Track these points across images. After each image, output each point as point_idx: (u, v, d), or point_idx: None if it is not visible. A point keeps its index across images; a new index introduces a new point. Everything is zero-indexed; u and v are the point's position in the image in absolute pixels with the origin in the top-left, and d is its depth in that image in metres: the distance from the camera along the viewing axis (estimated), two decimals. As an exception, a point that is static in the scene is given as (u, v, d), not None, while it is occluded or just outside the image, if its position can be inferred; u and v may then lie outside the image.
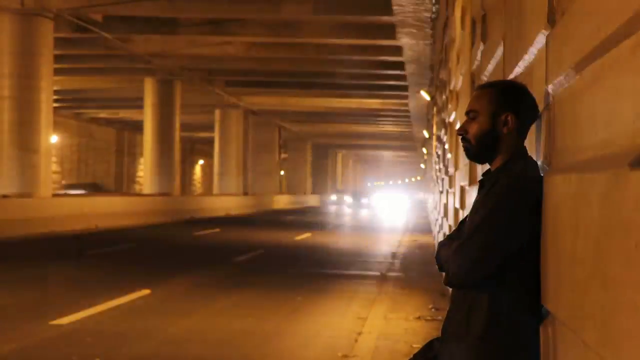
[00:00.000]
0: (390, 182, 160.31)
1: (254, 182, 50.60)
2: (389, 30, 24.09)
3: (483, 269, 2.40)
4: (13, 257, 15.66)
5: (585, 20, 1.88)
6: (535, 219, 2.35)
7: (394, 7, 19.88)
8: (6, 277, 12.13)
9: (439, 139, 19.00)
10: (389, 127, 58.93)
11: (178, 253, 17.83)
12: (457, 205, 8.59)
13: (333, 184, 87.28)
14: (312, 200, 69.38)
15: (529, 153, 2.58)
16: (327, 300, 10.55)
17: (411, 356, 2.80)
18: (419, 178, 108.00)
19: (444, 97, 15.38)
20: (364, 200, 65.46)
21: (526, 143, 2.60)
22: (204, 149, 70.88)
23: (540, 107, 2.55)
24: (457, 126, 8.35)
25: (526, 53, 2.88)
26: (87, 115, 52.66)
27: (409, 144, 69.95)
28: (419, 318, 8.84)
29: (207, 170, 70.99)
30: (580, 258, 1.85)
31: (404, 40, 23.90)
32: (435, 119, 23.17)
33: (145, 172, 36.16)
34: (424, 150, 49.29)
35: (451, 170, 10.90)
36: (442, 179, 15.18)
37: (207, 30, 26.57)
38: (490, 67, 4.71)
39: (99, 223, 24.81)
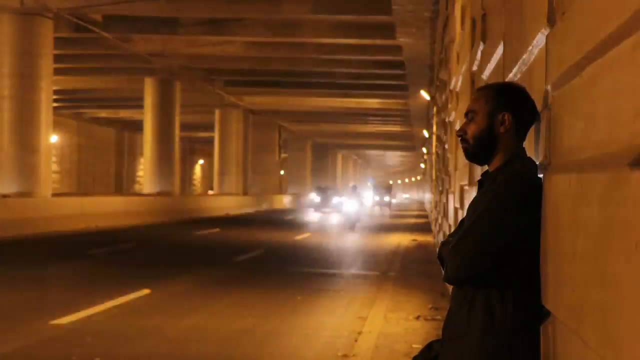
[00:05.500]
0: (390, 182, 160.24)
1: (254, 182, 50.62)
2: (389, 30, 24.10)
3: (479, 265, 2.41)
4: (13, 257, 15.65)
5: (585, 19, 1.88)
6: (531, 218, 2.36)
7: (394, 7, 19.87)
8: (6, 277, 12.13)
9: (439, 139, 18.99)
10: (389, 127, 58.92)
11: (178, 253, 17.83)
12: (457, 205, 8.59)
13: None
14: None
15: (529, 153, 2.59)
16: (327, 300, 10.55)
17: (411, 357, 2.80)
18: (418, 178, 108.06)
19: (444, 97, 15.38)
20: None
21: (526, 143, 2.60)
22: (204, 149, 70.89)
23: (540, 107, 2.55)
24: (457, 126, 8.36)
25: (526, 53, 2.88)
26: (87, 115, 52.67)
27: (409, 143, 69.95)
28: (418, 318, 8.84)
29: (207, 170, 71.01)
30: (580, 258, 1.84)
31: (404, 40, 23.88)
32: (435, 119, 23.17)
33: (145, 172, 36.16)
34: (424, 150, 49.30)
35: (451, 170, 10.90)
36: (442, 179, 15.18)
37: (207, 30, 26.57)
38: (490, 67, 4.71)
39: (99, 223, 24.81)
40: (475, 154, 2.63)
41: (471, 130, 2.59)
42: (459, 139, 2.68)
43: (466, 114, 2.64)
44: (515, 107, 2.54)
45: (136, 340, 7.55)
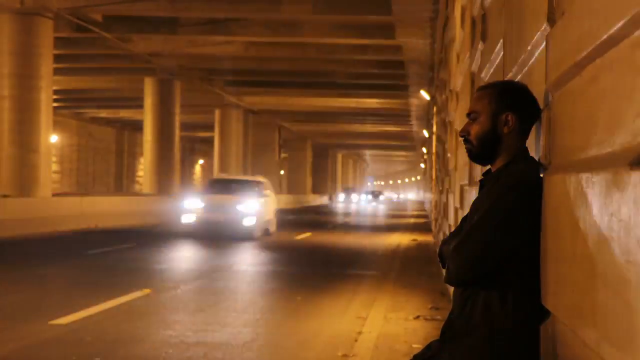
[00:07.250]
0: (390, 182, 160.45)
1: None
2: (389, 30, 24.10)
3: (481, 267, 2.40)
4: (13, 257, 15.65)
5: (585, 20, 1.87)
6: (533, 219, 2.36)
7: (394, 7, 19.88)
8: (6, 277, 12.13)
9: (439, 139, 18.99)
10: (389, 127, 58.94)
11: (178, 253, 17.82)
12: (457, 204, 8.59)
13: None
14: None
15: (530, 153, 2.59)
16: (327, 300, 10.55)
17: (411, 357, 2.80)
18: (418, 177, 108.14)
19: (444, 96, 15.39)
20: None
21: (527, 143, 2.60)
22: (204, 148, 70.93)
23: (540, 106, 2.55)
24: (457, 126, 8.36)
25: (526, 53, 2.88)
26: (87, 115, 52.70)
27: (409, 143, 69.98)
28: (418, 318, 8.84)
29: (207, 170, 71.02)
30: (580, 258, 1.84)
31: (404, 40, 23.89)
32: (435, 119, 23.17)
33: (145, 172, 36.15)
34: (424, 150, 49.29)
35: (451, 170, 10.90)
36: (442, 179, 15.18)
37: (207, 30, 26.58)
38: (490, 66, 4.71)
39: (99, 223, 24.81)
40: (478, 155, 2.62)
41: (474, 131, 2.58)
42: (462, 139, 2.68)
43: (468, 114, 2.63)
44: (518, 107, 2.53)
45: (136, 341, 7.55)
